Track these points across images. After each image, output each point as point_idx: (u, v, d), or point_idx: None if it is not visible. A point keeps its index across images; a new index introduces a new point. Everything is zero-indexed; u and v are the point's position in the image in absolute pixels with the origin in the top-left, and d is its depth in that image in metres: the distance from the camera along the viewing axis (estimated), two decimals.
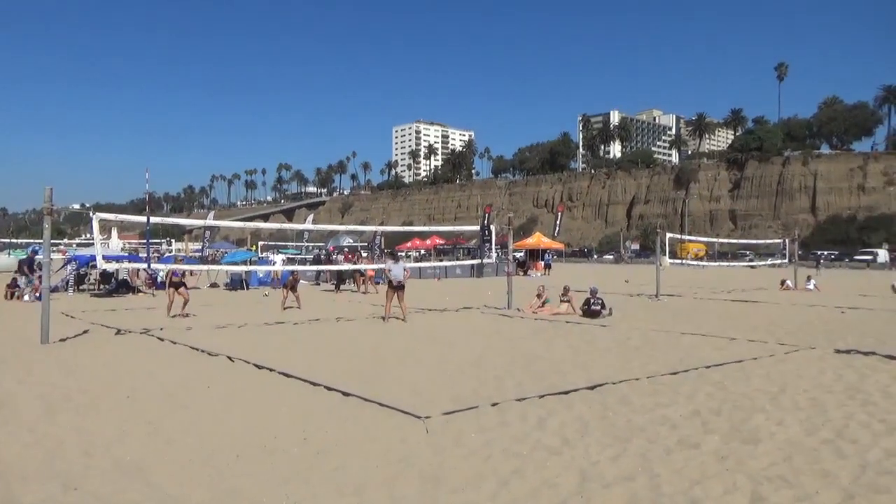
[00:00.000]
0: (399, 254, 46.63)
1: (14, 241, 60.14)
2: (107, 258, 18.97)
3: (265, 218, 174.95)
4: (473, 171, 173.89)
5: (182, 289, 15.74)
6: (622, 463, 4.75)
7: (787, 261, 35.67)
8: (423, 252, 54.72)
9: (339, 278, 26.71)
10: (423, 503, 4.06)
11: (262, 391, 7.23)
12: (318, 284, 29.97)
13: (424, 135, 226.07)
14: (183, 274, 16.61)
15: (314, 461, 4.83)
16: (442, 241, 54.72)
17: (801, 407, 6.43)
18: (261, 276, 27.80)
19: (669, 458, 4.87)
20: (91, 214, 14.42)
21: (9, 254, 45.21)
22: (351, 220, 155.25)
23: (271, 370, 8.32)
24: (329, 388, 7.16)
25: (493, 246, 37.77)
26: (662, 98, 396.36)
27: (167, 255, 38.05)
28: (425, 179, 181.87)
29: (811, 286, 25.59)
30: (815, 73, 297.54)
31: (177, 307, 15.50)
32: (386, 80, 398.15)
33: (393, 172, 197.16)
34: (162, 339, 11.43)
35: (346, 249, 43.15)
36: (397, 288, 14.36)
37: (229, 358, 9.28)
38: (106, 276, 24.59)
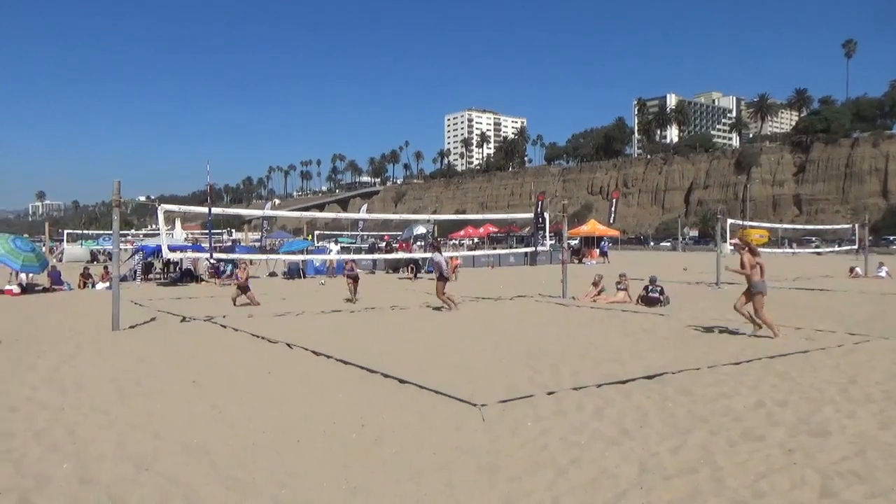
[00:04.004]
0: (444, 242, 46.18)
1: (86, 231, 62.91)
2: (171, 248, 19.66)
3: (320, 208, 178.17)
4: (526, 159, 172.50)
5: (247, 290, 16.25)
6: (683, 454, 4.65)
7: (856, 247, 34.17)
8: (476, 240, 54.65)
9: (417, 267, 26.95)
10: (480, 491, 4.07)
11: (321, 377, 7.37)
12: (374, 273, 30.34)
13: (476, 123, 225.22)
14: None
15: (372, 447, 4.90)
16: (495, 229, 54.48)
17: (874, 399, 6.15)
18: (317, 265, 28.33)
19: (733, 450, 4.73)
20: (156, 206, 14.97)
21: (81, 244, 47.39)
22: (404, 208, 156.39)
23: (329, 357, 8.48)
24: (385, 376, 7.24)
25: (547, 233, 37.31)
26: (722, 79, 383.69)
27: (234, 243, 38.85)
28: (478, 167, 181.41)
29: (883, 273, 24.42)
30: (886, 49, 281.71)
31: (242, 299, 16.00)
32: (437, 69, 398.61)
33: (445, 161, 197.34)
34: (224, 327, 11.79)
35: (397, 239, 43.47)
36: (440, 279, 14.42)
37: (288, 345, 9.51)
38: (171, 266, 25.53)
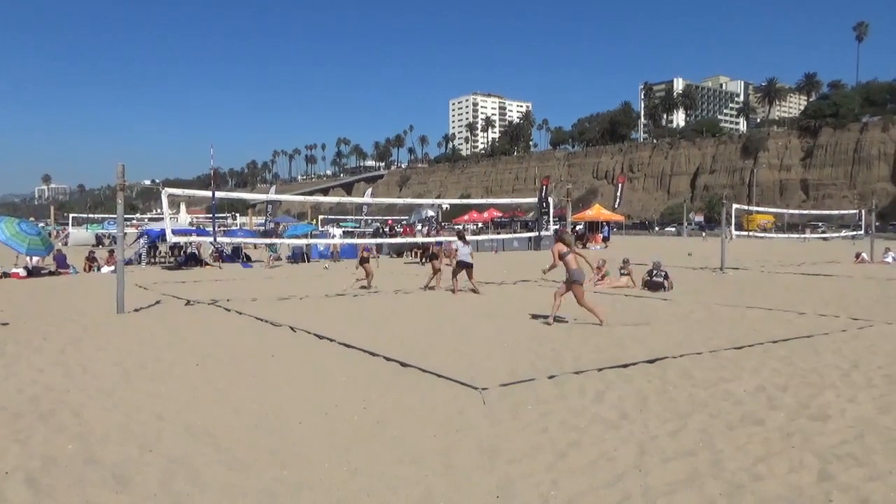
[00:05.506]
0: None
1: (91, 215, 63.02)
2: (176, 232, 19.71)
3: (325, 192, 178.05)
4: (531, 143, 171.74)
5: (367, 263, 16.06)
6: (682, 438, 4.68)
7: (863, 232, 34.07)
8: (480, 225, 54.60)
9: (425, 252, 26.80)
10: (480, 473, 4.10)
11: (323, 361, 7.42)
12: (378, 257, 30.36)
13: (482, 107, 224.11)
14: (371, 250, 16.87)
15: (373, 429, 4.94)
16: (499, 214, 54.43)
17: (875, 384, 6.16)
18: (321, 249, 28.39)
19: (732, 433, 4.76)
20: (161, 190, 14.95)
21: (86, 228, 47.53)
22: (408, 193, 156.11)
23: (332, 340, 8.53)
24: (388, 359, 7.28)
25: (552, 218, 37.23)
26: (730, 64, 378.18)
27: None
28: (483, 152, 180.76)
29: (889, 259, 24.32)
30: None
31: (362, 281, 15.77)
32: (442, 53, 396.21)
33: (450, 145, 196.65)
34: (228, 310, 11.85)
35: (402, 223, 43.45)
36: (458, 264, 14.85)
37: (292, 328, 9.56)
38: (176, 250, 25.63)
